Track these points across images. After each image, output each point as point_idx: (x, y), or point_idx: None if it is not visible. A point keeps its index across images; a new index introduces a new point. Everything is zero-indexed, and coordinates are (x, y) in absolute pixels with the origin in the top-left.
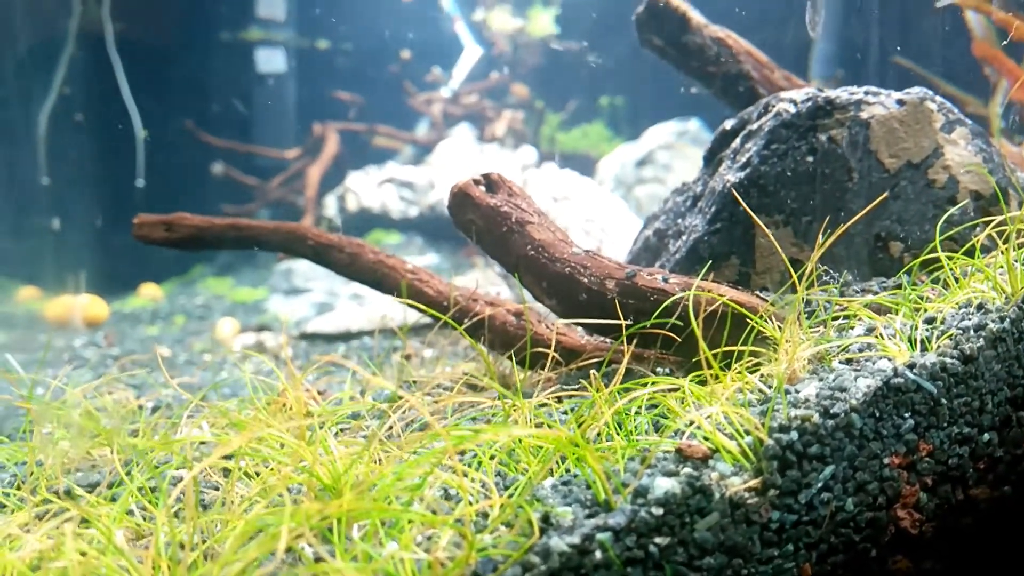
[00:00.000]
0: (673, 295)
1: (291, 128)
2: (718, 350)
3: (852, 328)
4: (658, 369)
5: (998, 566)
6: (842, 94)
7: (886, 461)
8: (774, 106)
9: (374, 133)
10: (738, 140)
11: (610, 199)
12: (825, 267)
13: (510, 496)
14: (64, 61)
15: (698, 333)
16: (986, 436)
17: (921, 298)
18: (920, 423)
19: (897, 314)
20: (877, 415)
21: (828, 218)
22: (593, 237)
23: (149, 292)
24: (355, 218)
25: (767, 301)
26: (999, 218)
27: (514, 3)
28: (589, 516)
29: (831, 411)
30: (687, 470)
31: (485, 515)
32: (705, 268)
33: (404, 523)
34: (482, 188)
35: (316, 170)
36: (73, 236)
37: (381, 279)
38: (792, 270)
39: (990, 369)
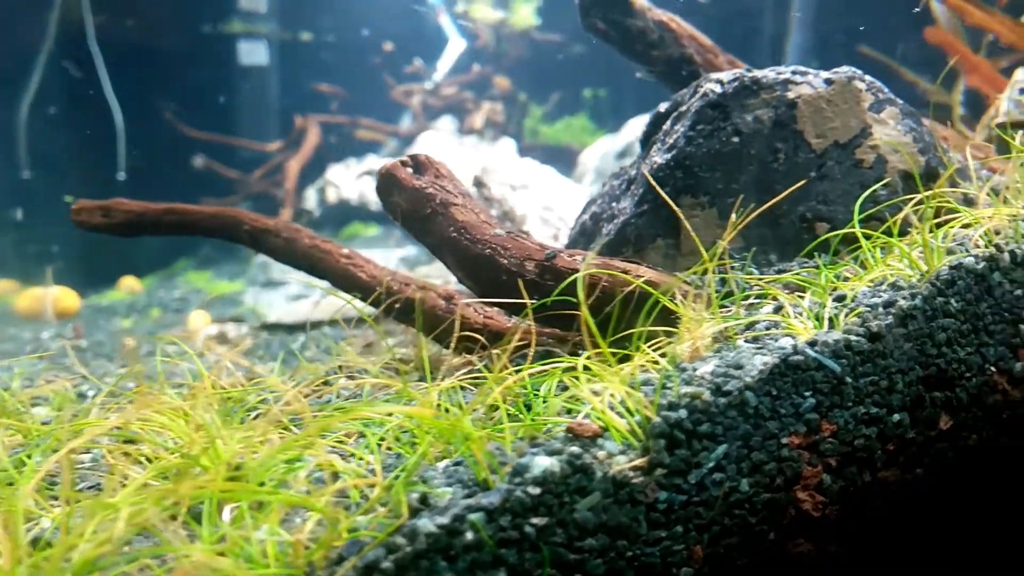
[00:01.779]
0: (589, 275)
1: (274, 121)
2: (635, 330)
3: (762, 308)
4: (580, 351)
5: (909, 550)
6: (769, 74)
7: (784, 441)
8: (702, 87)
9: (357, 126)
10: (669, 122)
11: (570, 187)
12: (741, 248)
13: (396, 477)
14: (44, 54)
15: (615, 314)
16: (896, 417)
17: (839, 277)
18: (823, 402)
19: (809, 293)
20: (774, 393)
21: (754, 199)
22: (551, 225)
23: (128, 285)
24: (334, 210)
25: (687, 281)
26: (918, 196)
27: None
28: (467, 496)
29: (723, 388)
30: (573, 448)
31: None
32: (630, 250)
33: (273, 505)
34: (409, 170)
35: (296, 163)
36: (53, 230)
37: (316, 263)
38: (703, 249)
39: (900, 347)
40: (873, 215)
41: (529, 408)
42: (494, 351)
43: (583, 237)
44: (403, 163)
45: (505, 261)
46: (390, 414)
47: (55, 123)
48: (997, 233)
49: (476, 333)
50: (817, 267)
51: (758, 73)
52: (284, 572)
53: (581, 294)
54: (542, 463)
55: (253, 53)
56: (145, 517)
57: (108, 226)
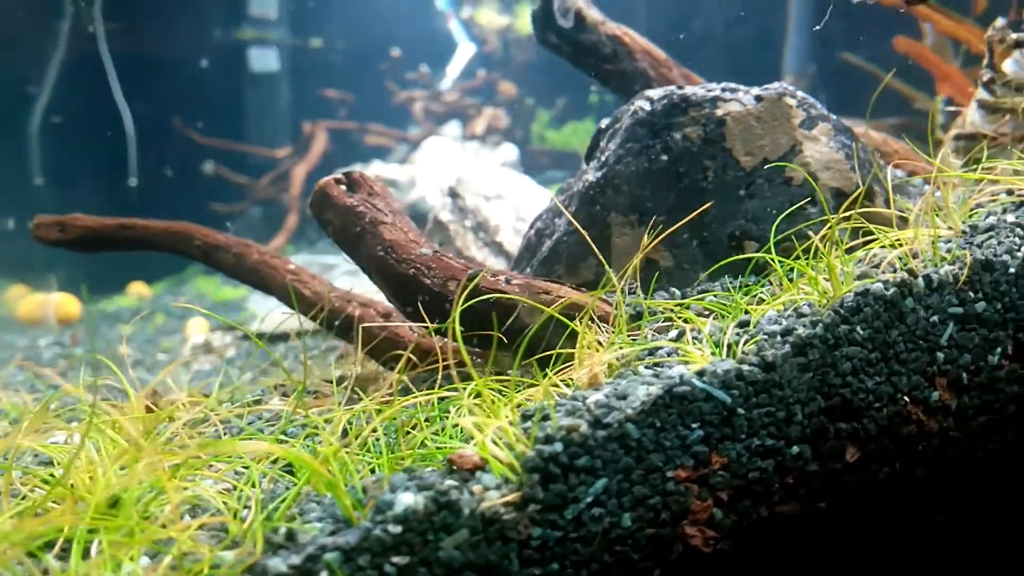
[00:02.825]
0: (511, 297)
1: (284, 127)
2: (553, 352)
3: (671, 332)
4: (504, 372)
5: None
6: (698, 91)
7: (670, 474)
8: (634, 104)
9: (365, 131)
10: (605, 139)
11: (546, 197)
12: (672, 267)
13: (274, 511)
14: (56, 61)
15: (533, 335)
16: (795, 449)
17: (754, 299)
18: (712, 434)
19: (717, 317)
20: (658, 425)
21: (683, 217)
22: (523, 235)
23: (137, 291)
24: None
25: (606, 301)
26: (838, 216)
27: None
28: (331, 534)
29: (603, 420)
30: (442, 484)
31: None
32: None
33: (137, 538)
34: (343, 187)
35: (302, 169)
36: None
37: (263, 279)
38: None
39: (798, 377)
40: (801, 234)
41: (437, 434)
42: (423, 369)
43: (527, 252)
44: (337, 180)
45: (428, 281)
46: (250, 454)
47: (66, 130)
48: (915, 256)
49: (407, 351)
50: (734, 288)
51: (688, 90)
52: None
53: (496, 316)
54: (405, 500)
55: (264, 60)
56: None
57: (65, 241)
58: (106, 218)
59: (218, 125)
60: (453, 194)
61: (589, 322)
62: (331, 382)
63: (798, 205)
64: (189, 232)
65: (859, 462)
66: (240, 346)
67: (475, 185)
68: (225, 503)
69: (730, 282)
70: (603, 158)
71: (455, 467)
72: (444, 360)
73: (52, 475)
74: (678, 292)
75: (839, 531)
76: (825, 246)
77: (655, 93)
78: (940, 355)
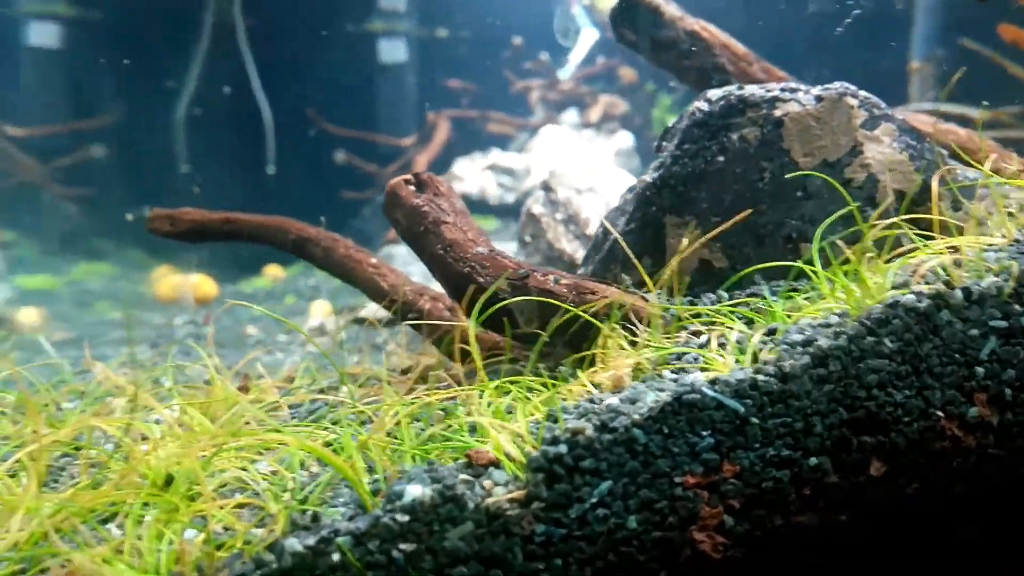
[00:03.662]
0: (558, 295)
1: (411, 116)
2: (589, 352)
3: (703, 336)
4: (539, 366)
5: None
6: (757, 91)
7: (678, 480)
8: (695, 104)
9: (487, 120)
10: (666, 139)
11: None
12: (727, 268)
13: (309, 494)
14: (199, 55)
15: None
16: (813, 460)
17: (793, 307)
18: (723, 442)
19: (752, 323)
20: (666, 431)
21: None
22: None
23: (272, 273)
24: None
25: (651, 303)
26: (886, 221)
27: None
28: (350, 519)
29: (610, 425)
30: (462, 477)
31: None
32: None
33: (181, 513)
34: (412, 188)
35: (424, 157)
36: None
37: (348, 272)
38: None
39: (818, 389)
40: (857, 238)
41: (473, 431)
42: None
43: (594, 249)
44: (407, 181)
45: (482, 279)
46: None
47: (208, 120)
48: (958, 265)
49: (470, 345)
50: (780, 293)
51: (747, 91)
52: None
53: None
54: (413, 491)
55: (392, 51)
56: (63, 518)
57: (175, 233)
58: (211, 212)
59: (349, 115)
60: (546, 187)
61: (627, 324)
62: (398, 371)
63: (848, 208)
64: (284, 226)
65: (885, 476)
66: (350, 330)
67: (568, 178)
68: (271, 485)
69: (775, 287)
70: (661, 158)
71: (472, 462)
72: (497, 355)
73: (122, 452)
74: (725, 295)
75: (861, 543)
76: (862, 253)
77: (714, 93)
78: (980, 370)
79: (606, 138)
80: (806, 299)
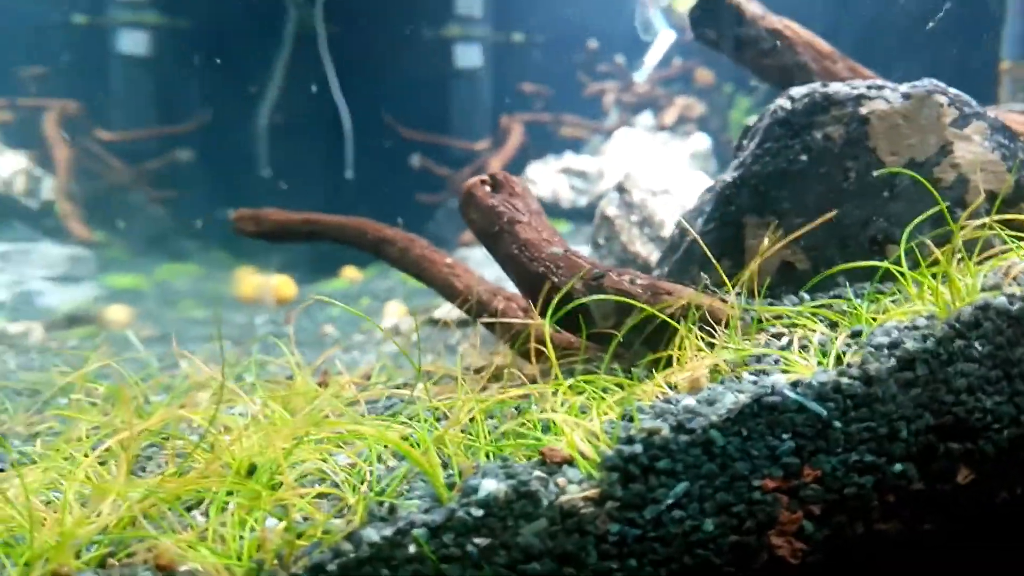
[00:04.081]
0: (633, 296)
1: (485, 120)
2: (668, 353)
3: (785, 338)
4: (613, 367)
5: None
6: (842, 89)
7: (756, 483)
8: (777, 102)
9: (560, 123)
10: (747, 138)
11: None
12: (809, 270)
13: (387, 486)
14: (282, 61)
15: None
16: (898, 467)
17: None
18: (805, 446)
19: (835, 326)
20: (744, 434)
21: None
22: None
23: (349, 274)
24: None
25: (730, 305)
26: (980, 220)
27: None
28: (426, 511)
29: (687, 426)
30: (536, 473)
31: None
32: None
33: (262, 502)
34: (487, 188)
35: (497, 161)
36: None
37: (423, 272)
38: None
39: (905, 393)
40: (946, 239)
41: (547, 429)
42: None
43: (670, 250)
44: (483, 182)
45: (556, 279)
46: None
47: (290, 125)
48: None
49: (544, 345)
50: (866, 295)
51: (831, 88)
52: (243, 564)
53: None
54: (488, 486)
55: (468, 56)
56: (151, 504)
57: (259, 233)
58: (293, 212)
59: (425, 119)
60: (620, 189)
61: (704, 325)
62: (472, 370)
63: (934, 210)
64: (363, 227)
65: (973, 484)
66: (424, 330)
67: (642, 180)
68: (349, 477)
69: (859, 289)
70: (741, 158)
71: (546, 459)
72: (571, 355)
73: (209, 443)
74: (807, 297)
75: (947, 553)
76: (951, 254)
77: (797, 91)
78: None
79: (681, 140)
80: (892, 302)
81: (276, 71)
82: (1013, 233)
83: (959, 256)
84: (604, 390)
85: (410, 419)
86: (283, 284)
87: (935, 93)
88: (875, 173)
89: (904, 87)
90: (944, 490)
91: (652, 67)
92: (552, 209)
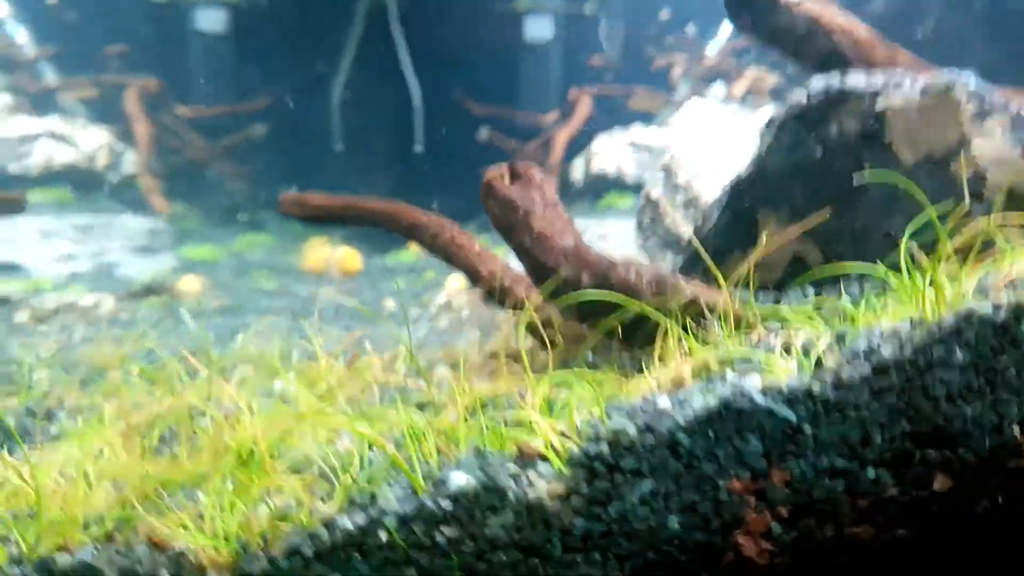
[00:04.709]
0: (639, 289)
1: (556, 92)
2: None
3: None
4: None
5: None
6: (860, 82)
7: (723, 484)
8: (792, 96)
9: (630, 95)
10: (766, 131)
11: None
12: (822, 263)
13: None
14: (355, 38)
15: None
16: (871, 472)
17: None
18: (773, 449)
19: (802, 328)
20: (711, 436)
21: (836, 214)
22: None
23: (416, 248)
24: (595, 181)
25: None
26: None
27: None
28: (402, 501)
29: (653, 426)
30: (510, 467)
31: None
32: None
33: (255, 486)
34: (506, 179)
35: (564, 134)
36: (360, 191)
37: (452, 256)
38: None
39: (880, 399)
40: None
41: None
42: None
43: (690, 242)
44: (503, 173)
45: (565, 272)
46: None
47: (361, 101)
48: None
49: (560, 332)
50: (859, 294)
51: (849, 82)
52: (226, 544)
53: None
54: (458, 480)
55: (539, 28)
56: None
57: (302, 216)
58: (335, 196)
59: (494, 92)
60: (666, 170)
61: (703, 320)
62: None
63: (926, 209)
64: (399, 212)
65: (951, 492)
66: (476, 306)
67: (688, 161)
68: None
69: (870, 286)
70: (757, 151)
71: (522, 454)
72: (577, 345)
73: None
74: (810, 293)
75: (922, 560)
76: (940, 256)
77: (815, 84)
78: None
79: (750, 113)
80: (894, 302)
81: (348, 47)
82: None
83: (949, 258)
84: (601, 384)
85: (419, 406)
86: (348, 256)
87: (954, 88)
88: (855, 179)
89: (922, 80)
90: (920, 497)
91: (725, 38)
92: (616, 183)
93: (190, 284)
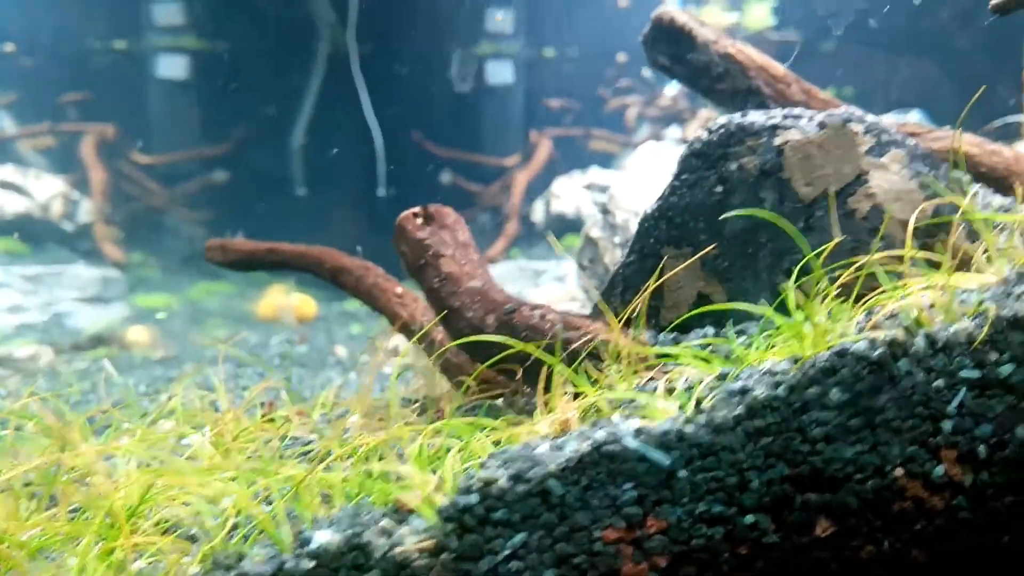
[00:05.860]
0: (542, 331)
1: (517, 135)
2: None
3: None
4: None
5: None
6: (759, 119)
7: (598, 534)
8: (694, 134)
9: (589, 137)
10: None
11: None
12: (726, 301)
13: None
14: (316, 82)
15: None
16: (750, 518)
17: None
18: (648, 496)
19: (682, 369)
20: (584, 483)
21: (738, 250)
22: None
23: None
24: (555, 222)
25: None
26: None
27: None
28: (270, 559)
29: (524, 475)
30: (383, 523)
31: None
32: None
33: (120, 545)
34: (419, 220)
35: (524, 176)
36: (320, 238)
37: (374, 300)
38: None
39: (755, 442)
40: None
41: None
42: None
43: (611, 280)
44: (415, 214)
45: (470, 314)
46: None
47: (324, 145)
48: (932, 307)
49: (467, 376)
50: (743, 333)
51: (747, 118)
52: None
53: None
54: (321, 537)
55: (500, 72)
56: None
57: (226, 262)
58: (257, 242)
59: (456, 136)
60: (604, 210)
61: (599, 362)
62: (411, 401)
63: (835, 242)
64: (321, 256)
65: (834, 537)
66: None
67: (626, 201)
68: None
69: (764, 325)
70: (662, 190)
71: (399, 507)
72: (491, 388)
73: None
74: (711, 331)
75: None
76: (815, 293)
77: (714, 122)
78: (947, 424)
79: None
80: (783, 341)
81: (309, 92)
82: (935, 265)
83: (832, 296)
84: (494, 431)
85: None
86: (303, 303)
87: (850, 122)
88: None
89: (820, 116)
90: (802, 543)
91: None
92: (575, 224)
93: (139, 335)
